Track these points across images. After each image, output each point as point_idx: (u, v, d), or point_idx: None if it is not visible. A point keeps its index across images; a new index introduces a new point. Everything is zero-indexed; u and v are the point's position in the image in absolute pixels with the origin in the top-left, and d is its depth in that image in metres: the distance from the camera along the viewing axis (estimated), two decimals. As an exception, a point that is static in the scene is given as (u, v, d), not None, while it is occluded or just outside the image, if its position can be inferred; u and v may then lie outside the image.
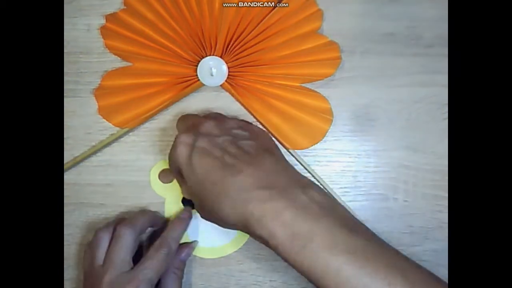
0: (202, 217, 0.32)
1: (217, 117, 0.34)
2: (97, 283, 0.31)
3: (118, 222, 0.34)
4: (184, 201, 0.37)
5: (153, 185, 0.37)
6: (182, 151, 0.30)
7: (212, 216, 0.30)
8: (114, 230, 0.33)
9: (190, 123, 0.33)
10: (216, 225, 0.37)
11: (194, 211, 0.37)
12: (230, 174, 0.29)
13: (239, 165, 0.29)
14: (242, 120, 0.36)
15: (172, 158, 0.32)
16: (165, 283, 0.34)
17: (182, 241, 0.37)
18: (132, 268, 0.32)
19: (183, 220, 0.36)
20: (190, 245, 0.37)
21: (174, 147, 0.31)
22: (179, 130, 0.34)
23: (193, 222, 0.37)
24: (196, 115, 0.36)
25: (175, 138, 0.31)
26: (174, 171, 0.33)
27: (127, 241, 0.32)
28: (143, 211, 0.36)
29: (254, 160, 0.30)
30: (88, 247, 0.34)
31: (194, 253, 0.37)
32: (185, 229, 0.36)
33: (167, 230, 0.35)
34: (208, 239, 0.37)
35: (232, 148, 0.31)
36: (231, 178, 0.29)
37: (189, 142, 0.31)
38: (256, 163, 0.30)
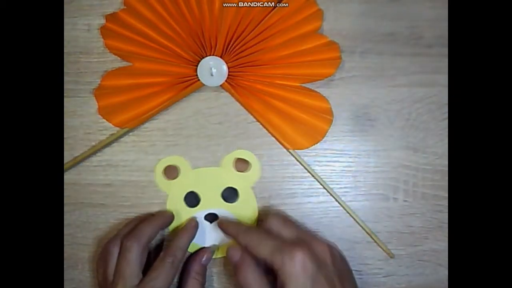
0: None
1: (329, 244, 0.33)
2: None
3: (125, 234, 0.34)
4: (187, 198, 0.37)
5: (157, 180, 0.37)
6: (302, 274, 0.30)
7: None
8: (121, 243, 0.33)
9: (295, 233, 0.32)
10: (216, 225, 0.37)
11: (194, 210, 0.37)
12: None
13: None
14: (330, 245, 0.33)
15: (285, 272, 0.30)
16: None
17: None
18: (141, 281, 0.32)
19: (189, 229, 0.36)
20: (209, 250, 0.37)
21: (292, 260, 0.30)
22: (273, 224, 0.33)
23: (193, 222, 0.37)
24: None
25: (293, 252, 0.30)
26: (265, 259, 0.31)
27: (133, 254, 0.32)
28: (148, 220, 0.35)
29: None
30: (99, 260, 0.34)
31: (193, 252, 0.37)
32: (191, 238, 0.36)
33: (173, 240, 0.35)
34: (208, 239, 0.37)
35: (339, 286, 0.30)
36: None
37: (310, 267, 0.30)
38: None
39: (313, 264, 0.30)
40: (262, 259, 0.31)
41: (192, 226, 0.36)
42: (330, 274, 0.31)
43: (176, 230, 0.37)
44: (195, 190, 0.37)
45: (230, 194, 0.37)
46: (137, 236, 0.33)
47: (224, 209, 0.37)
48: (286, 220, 0.34)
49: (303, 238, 0.32)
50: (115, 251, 0.33)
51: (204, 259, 0.36)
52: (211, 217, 0.37)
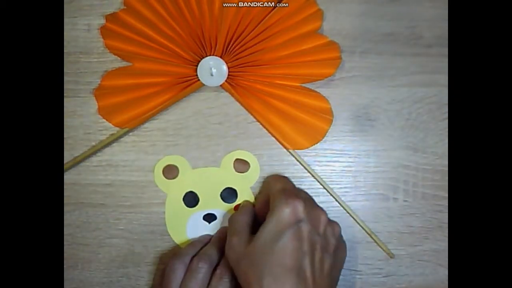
0: (228, 255, 0.32)
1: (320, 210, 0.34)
2: None
3: (193, 254, 0.34)
4: (186, 198, 0.37)
5: (157, 180, 0.37)
6: (288, 216, 0.30)
7: (241, 274, 0.31)
8: (190, 261, 0.33)
9: (301, 196, 0.32)
10: (215, 225, 0.37)
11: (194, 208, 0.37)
12: (296, 282, 0.29)
13: (306, 283, 0.29)
14: (331, 221, 0.34)
15: (274, 210, 0.31)
16: None
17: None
18: None
19: None
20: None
21: (285, 203, 0.31)
22: (274, 187, 0.34)
23: (192, 222, 0.37)
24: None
25: (290, 197, 0.31)
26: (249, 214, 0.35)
27: (204, 276, 0.32)
28: (214, 242, 0.35)
29: (317, 287, 0.30)
30: (161, 276, 0.34)
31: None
32: None
33: (225, 257, 0.34)
34: (208, 239, 0.37)
35: (317, 256, 0.30)
36: (292, 286, 0.29)
37: (299, 215, 0.31)
38: None
39: (303, 217, 0.31)
40: (268, 197, 0.33)
41: None
42: (314, 236, 0.31)
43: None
44: (194, 190, 0.37)
45: (229, 195, 0.37)
46: (209, 257, 0.33)
47: (223, 210, 0.37)
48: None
49: (312, 202, 0.33)
50: (180, 269, 0.33)
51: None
52: (210, 218, 0.37)
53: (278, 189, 0.33)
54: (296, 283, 0.29)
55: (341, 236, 0.34)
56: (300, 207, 0.31)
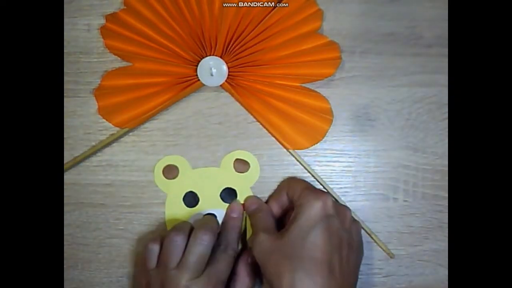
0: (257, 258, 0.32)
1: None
2: (172, 286, 0.31)
3: (196, 226, 0.34)
4: (186, 198, 0.37)
5: (157, 180, 0.37)
6: (319, 211, 0.31)
7: (272, 269, 0.31)
8: (189, 233, 0.33)
9: (324, 198, 0.32)
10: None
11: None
12: (327, 276, 0.30)
13: (335, 276, 0.30)
14: (354, 219, 0.35)
15: (304, 205, 0.32)
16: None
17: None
18: (205, 272, 0.32)
19: (238, 219, 0.36)
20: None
21: (316, 198, 0.32)
22: (293, 187, 0.35)
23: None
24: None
25: (318, 193, 0.32)
26: (281, 202, 0.35)
27: (207, 247, 0.32)
28: (211, 218, 0.36)
29: (345, 282, 0.31)
30: (161, 248, 0.33)
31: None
32: (241, 227, 0.36)
33: (227, 231, 0.35)
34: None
35: (344, 251, 0.31)
36: (323, 279, 0.29)
37: (328, 210, 0.31)
38: (343, 285, 0.31)
39: (332, 212, 0.32)
40: (290, 196, 0.34)
41: (239, 216, 0.37)
42: (341, 232, 0.32)
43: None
44: (194, 190, 0.37)
45: (229, 195, 0.37)
46: (212, 229, 0.34)
47: (222, 210, 0.37)
48: None
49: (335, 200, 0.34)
50: (182, 240, 0.33)
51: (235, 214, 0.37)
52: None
53: (303, 187, 0.34)
54: (327, 277, 0.30)
55: (361, 236, 0.35)
56: (329, 202, 0.32)
